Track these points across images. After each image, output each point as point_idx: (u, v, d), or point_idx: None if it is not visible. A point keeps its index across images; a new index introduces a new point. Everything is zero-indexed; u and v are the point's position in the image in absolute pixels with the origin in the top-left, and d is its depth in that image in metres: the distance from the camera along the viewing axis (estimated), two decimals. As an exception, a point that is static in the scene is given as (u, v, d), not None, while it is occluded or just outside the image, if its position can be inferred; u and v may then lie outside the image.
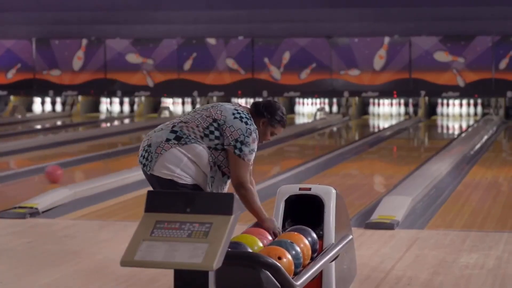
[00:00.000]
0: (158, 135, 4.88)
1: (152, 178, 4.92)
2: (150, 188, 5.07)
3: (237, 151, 4.81)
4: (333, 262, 5.13)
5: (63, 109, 23.03)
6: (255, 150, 4.90)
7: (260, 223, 4.96)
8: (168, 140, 4.84)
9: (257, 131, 4.91)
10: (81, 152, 14.43)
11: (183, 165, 4.82)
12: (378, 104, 21.67)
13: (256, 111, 4.98)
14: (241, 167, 4.81)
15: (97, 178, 10.48)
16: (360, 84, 20.89)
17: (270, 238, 4.86)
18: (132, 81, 22.02)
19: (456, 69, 20.38)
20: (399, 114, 21.44)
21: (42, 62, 22.45)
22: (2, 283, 5.89)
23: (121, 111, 22.83)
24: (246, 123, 4.84)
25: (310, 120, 20.57)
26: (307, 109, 21.90)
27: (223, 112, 4.87)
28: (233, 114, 4.85)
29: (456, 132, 18.39)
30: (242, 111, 4.91)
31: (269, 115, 4.97)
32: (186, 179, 4.82)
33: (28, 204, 8.58)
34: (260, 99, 21.95)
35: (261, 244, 4.67)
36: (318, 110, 21.25)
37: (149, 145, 4.90)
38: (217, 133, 4.84)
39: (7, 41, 22.63)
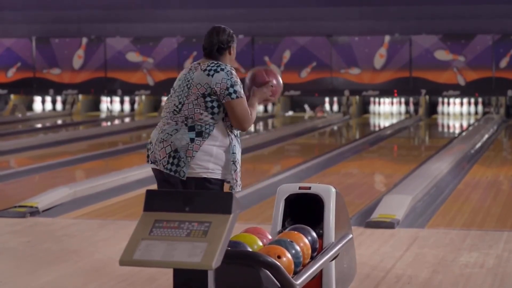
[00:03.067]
0: (179, 138, 4.86)
1: (181, 181, 4.88)
2: (150, 187, 5.06)
3: (233, 95, 4.88)
4: (333, 261, 5.12)
5: (64, 108, 23.03)
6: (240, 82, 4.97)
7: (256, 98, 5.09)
8: (192, 139, 4.85)
9: (232, 68, 4.96)
10: (81, 151, 14.42)
11: (214, 158, 4.89)
12: (379, 103, 21.67)
13: (213, 52, 5.00)
14: (243, 110, 4.89)
15: (97, 177, 10.48)
16: (360, 83, 20.89)
17: (269, 237, 4.86)
18: (132, 79, 22.02)
19: (456, 68, 20.37)
20: (399, 113, 21.43)
21: (42, 61, 22.45)
22: (2, 282, 5.89)
23: (122, 110, 22.83)
24: (222, 69, 4.90)
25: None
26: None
27: (200, 81, 4.90)
28: (206, 73, 4.90)
29: (457, 131, 18.38)
30: (207, 65, 4.93)
31: (231, 41, 5.03)
32: (218, 172, 4.89)
33: (28, 203, 8.58)
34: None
35: (260, 243, 4.67)
36: (317, 108, 21.24)
37: (176, 151, 4.85)
38: (215, 103, 4.90)
39: (7, 40, 22.63)
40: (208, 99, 4.88)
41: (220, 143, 4.90)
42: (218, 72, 4.89)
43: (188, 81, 4.95)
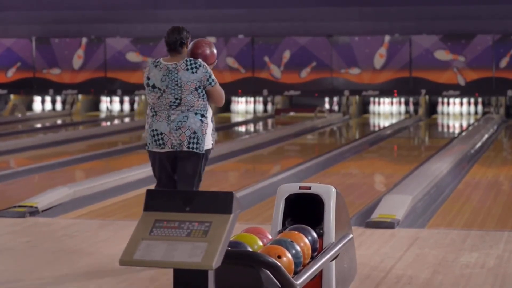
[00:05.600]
0: (193, 122, 6.08)
1: (200, 155, 6.12)
2: (150, 187, 5.07)
3: (213, 83, 6.13)
4: (333, 261, 5.11)
5: (63, 108, 23.03)
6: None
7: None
8: (202, 121, 6.11)
9: (201, 61, 6.12)
10: (81, 151, 14.42)
11: (212, 129, 6.24)
12: (379, 103, 21.66)
13: (177, 47, 6.16)
14: (220, 91, 6.18)
15: (97, 177, 10.47)
16: (360, 83, 20.88)
17: (270, 237, 4.85)
18: (132, 79, 22.01)
19: (456, 68, 20.37)
20: (399, 113, 21.43)
21: (42, 61, 22.44)
22: (2, 282, 5.88)
23: (121, 110, 22.82)
24: (200, 65, 6.10)
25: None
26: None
27: (188, 79, 6.07)
28: (190, 71, 6.09)
29: (457, 131, 18.37)
30: (185, 64, 6.09)
31: (188, 37, 6.24)
32: (212, 141, 6.28)
33: (28, 203, 8.56)
34: (261, 98, 22.05)
35: (260, 243, 4.66)
36: (318, 108, 21.24)
37: (195, 132, 6.08)
38: (203, 91, 6.13)
39: (7, 40, 22.62)
40: (199, 90, 6.10)
41: (210, 116, 6.22)
42: (198, 68, 6.09)
43: (176, 81, 6.09)
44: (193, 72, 6.06)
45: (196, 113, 6.08)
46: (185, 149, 6.08)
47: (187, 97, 6.06)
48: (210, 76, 6.09)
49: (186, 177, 6.14)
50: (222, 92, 6.20)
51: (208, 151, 6.23)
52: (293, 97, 21.86)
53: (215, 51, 6.32)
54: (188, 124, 6.07)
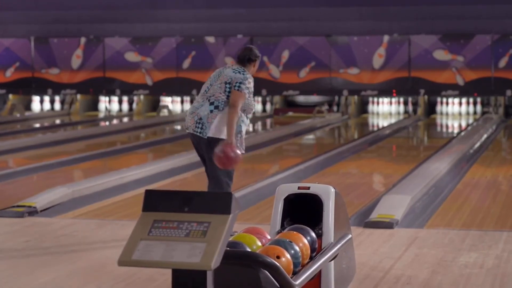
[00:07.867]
0: (203, 110, 6.94)
1: (205, 140, 6.88)
2: (149, 187, 5.07)
3: (239, 88, 6.93)
4: (332, 261, 5.11)
5: (62, 108, 23.02)
6: (251, 88, 7.00)
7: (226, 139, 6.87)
8: (211, 111, 6.92)
9: (251, 77, 7.02)
10: (79, 150, 14.41)
11: (241, 135, 6.90)
12: (377, 103, 21.66)
13: (244, 61, 7.08)
14: (237, 96, 6.91)
15: (95, 177, 10.46)
16: (359, 83, 20.87)
17: (268, 237, 4.84)
18: (131, 79, 22.00)
19: (455, 68, 20.37)
20: (398, 113, 21.43)
21: (40, 61, 22.43)
22: (0, 283, 5.87)
23: (120, 110, 22.81)
24: (243, 73, 7.01)
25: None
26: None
27: (227, 74, 6.99)
28: (233, 71, 6.99)
29: (456, 131, 18.38)
30: (236, 68, 7.03)
31: (258, 58, 7.13)
32: None
33: (26, 203, 8.55)
34: (259, 98, 22.03)
35: (259, 243, 4.65)
36: (317, 108, 21.24)
37: (200, 118, 6.92)
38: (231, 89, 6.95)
39: (6, 40, 22.61)
40: (227, 85, 6.97)
41: (236, 120, 6.85)
42: (240, 73, 7.01)
43: (220, 73, 7.08)
44: (234, 72, 7.00)
45: (211, 103, 6.94)
46: (191, 131, 6.96)
47: (216, 86, 6.98)
48: (241, 82, 6.94)
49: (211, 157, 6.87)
50: (238, 102, 6.88)
51: (215, 139, 6.82)
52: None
53: (231, 164, 6.88)
54: (199, 111, 6.95)
